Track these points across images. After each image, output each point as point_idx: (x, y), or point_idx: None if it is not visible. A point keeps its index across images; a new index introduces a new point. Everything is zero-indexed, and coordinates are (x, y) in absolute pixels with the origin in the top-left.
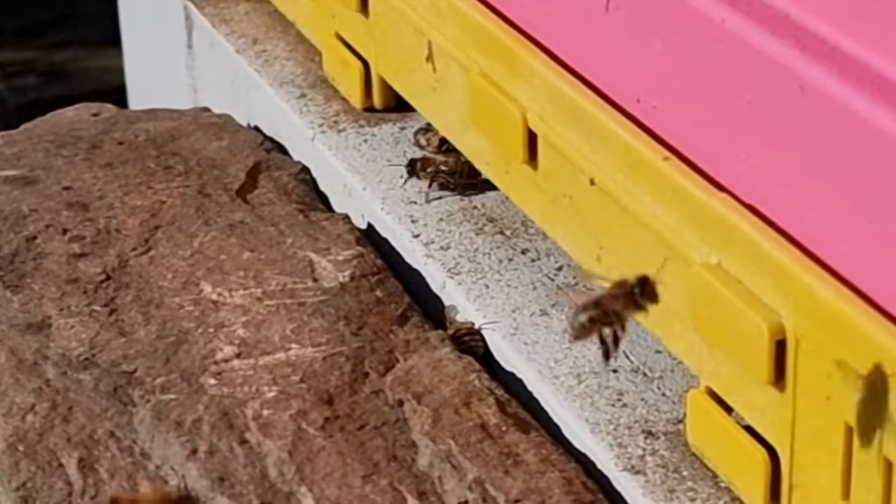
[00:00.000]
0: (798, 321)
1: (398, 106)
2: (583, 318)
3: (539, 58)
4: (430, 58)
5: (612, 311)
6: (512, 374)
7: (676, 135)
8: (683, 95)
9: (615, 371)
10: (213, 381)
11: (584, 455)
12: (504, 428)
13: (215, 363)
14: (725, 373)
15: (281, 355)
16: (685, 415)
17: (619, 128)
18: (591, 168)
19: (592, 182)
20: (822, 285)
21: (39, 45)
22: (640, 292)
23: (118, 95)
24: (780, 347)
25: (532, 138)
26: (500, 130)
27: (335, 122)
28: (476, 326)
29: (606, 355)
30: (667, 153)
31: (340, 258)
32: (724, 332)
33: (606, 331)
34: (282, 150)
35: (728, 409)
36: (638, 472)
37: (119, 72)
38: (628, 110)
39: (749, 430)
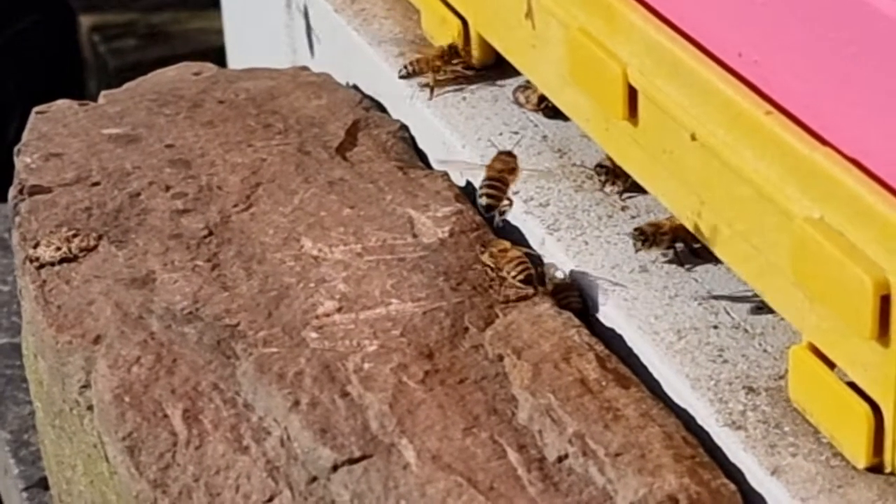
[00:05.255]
0: None
1: (497, 63)
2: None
3: (639, 12)
4: (528, 14)
5: (434, 65)
6: (611, 330)
7: (778, 89)
8: (786, 49)
9: (716, 327)
10: (314, 335)
11: (684, 410)
12: (604, 383)
13: (316, 317)
14: (828, 328)
15: (381, 310)
16: (786, 371)
17: (721, 82)
18: (692, 123)
19: (693, 137)
20: None
21: (139, 8)
22: (452, 53)
23: (217, 57)
24: (884, 302)
25: (632, 94)
26: (599, 86)
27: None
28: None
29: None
30: (769, 107)
31: (440, 214)
32: (827, 286)
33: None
34: (380, 108)
35: (831, 365)
36: (739, 428)
37: (218, 33)
38: (729, 65)
39: (852, 385)
